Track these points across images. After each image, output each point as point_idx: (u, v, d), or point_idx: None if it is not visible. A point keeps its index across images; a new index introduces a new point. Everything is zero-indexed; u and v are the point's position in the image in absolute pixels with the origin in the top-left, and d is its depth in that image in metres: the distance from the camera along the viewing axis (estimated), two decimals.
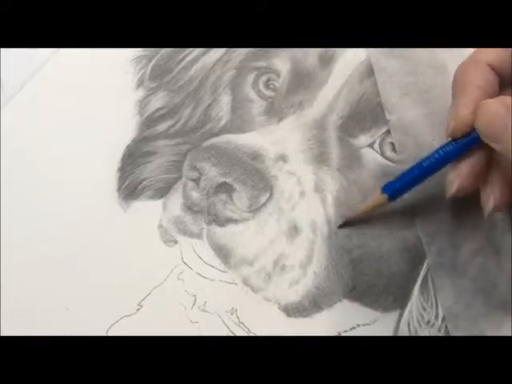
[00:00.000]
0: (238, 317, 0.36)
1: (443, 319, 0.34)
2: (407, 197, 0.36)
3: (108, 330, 0.36)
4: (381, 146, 0.38)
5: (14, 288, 0.37)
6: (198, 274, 0.37)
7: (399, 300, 0.35)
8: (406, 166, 0.35)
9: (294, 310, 0.35)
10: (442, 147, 0.33)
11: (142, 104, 0.41)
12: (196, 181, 0.37)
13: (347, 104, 0.39)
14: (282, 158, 0.38)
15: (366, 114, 0.39)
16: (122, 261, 0.37)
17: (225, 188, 0.37)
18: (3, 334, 0.36)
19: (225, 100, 0.41)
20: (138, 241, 0.38)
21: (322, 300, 0.35)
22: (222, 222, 0.37)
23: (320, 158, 0.38)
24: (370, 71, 0.39)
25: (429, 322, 0.35)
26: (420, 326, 0.35)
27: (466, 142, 0.32)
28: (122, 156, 0.40)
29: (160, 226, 0.38)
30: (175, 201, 0.38)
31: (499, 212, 0.33)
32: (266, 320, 0.35)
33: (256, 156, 0.37)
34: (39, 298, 0.37)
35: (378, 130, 0.38)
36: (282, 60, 0.41)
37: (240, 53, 0.41)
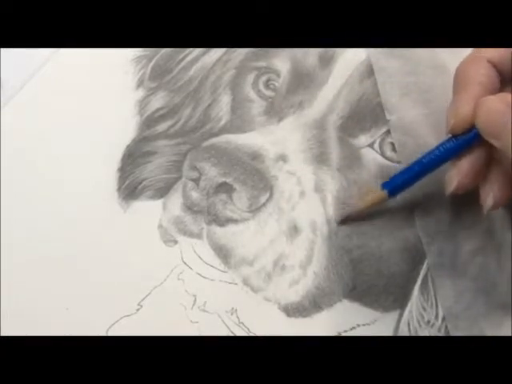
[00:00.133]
0: (238, 317, 0.36)
1: (443, 319, 0.34)
2: (407, 196, 0.36)
3: (108, 330, 0.36)
4: (381, 146, 0.38)
5: (14, 288, 0.37)
6: (198, 274, 0.37)
7: (399, 300, 0.35)
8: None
9: (293, 310, 0.35)
10: (442, 144, 0.33)
11: (142, 104, 0.41)
12: (196, 181, 0.37)
13: (347, 104, 0.39)
14: (282, 158, 0.38)
15: (366, 114, 0.39)
16: (122, 261, 0.37)
17: (225, 188, 0.37)
18: (3, 334, 0.36)
19: (225, 100, 0.41)
20: (138, 241, 0.38)
21: (322, 300, 0.35)
22: (222, 222, 0.37)
23: (320, 158, 0.38)
24: (370, 71, 0.39)
25: (429, 321, 0.35)
26: (420, 325, 0.35)
27: (466, 139, 0.32)
28: (122, 156, 0.40)
29: (160, 226, 0.38)
30: (175, 201, 0.38)
31: (498, 209, 0.33)
32: (266, 320, 0.35)
33: (256, 156, 0.37)
34: (39, 298, 0.37)
35: (378, 130, 0.38)
36: (282, 60, 0.41)
37: (240, 53, 0.41)
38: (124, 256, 0.38)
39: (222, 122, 0.40)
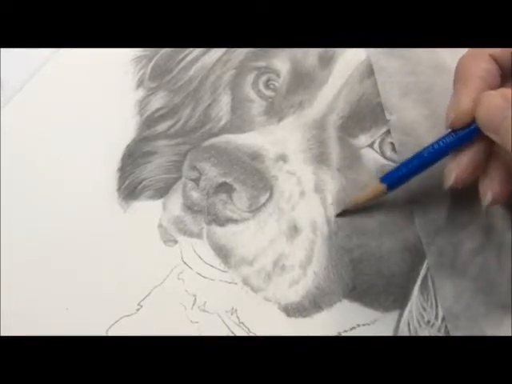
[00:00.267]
0: (238, 317, 0.35)
1: (443, 319, 0.34)
2: (407, 197, 0.36)
3: (108, 330, 0.36)
4: (381, 146, 0.38)
5: (14, 288, 0.37)
6: (198, 273, 0.37)
7: (399, 300, 0.35)
8: None
9: (294, 310, 0.35)
10: (441, 138, 0.33)
11: (142, 104, 0.41)
12: (196, 181, 0.37)
13: (347, 104, 0.39)
14: (282, 157, 0.38)
15: (366, 114, 0.39)
16: (122, 261, 0.37)
17: (225, 188, 0.37)
18: (3, 334, 0.36)
19: (225, 100, 0.41)
20: (137, 241, 0.38)
21: (322, 300, 0.35)
22: (222, 221, 0.37)
23: (320, 158, 0.38)
24: (370, 71, 0.39)
25: (429, 321, 0.35)
26: (420, 326, 0.35)
27: (466, 134, 0.32)
28: (122, 156, 0.40)
29: (160, 226, 0.38)
30: (175, 201, 0.38)
31: (497, 204, 0.33)
32: (266, 320, 0.35)
33: (256, 156, 0.37)
34: (39, 298, 0.37)
35: (378, 130, 0.38)
36: (282, 60, 0.41)
37: (240, 53, 0.41)
38: (124, 256, 0.38)
39: (222, 122, 0.40)
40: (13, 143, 0.41)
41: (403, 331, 0.35)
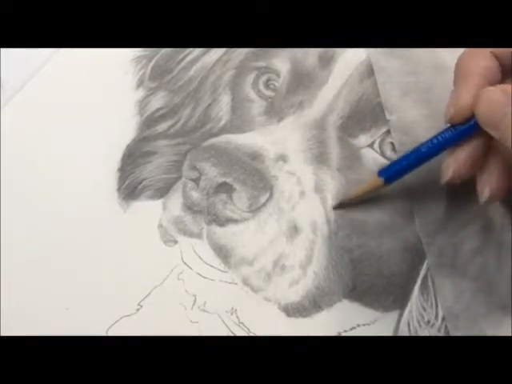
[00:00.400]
0: (237, 317, 0.35)
1: (443, 319, 0.34)
2: (408, 197, 0.36)
3: (108, 330, 0.36)
4: (381, 146, 0.38)
5: (14, 288, 0.37)
6: (198, 274, 0.37)
7: (399, 300, 0.35)
8: None
9: (294, 310, 0.35)
10: (440, 133, 0.33)
11: (142, 104, 0.41)
12: (196, 181, 0.37)
13: (347, 104, 0.39)
14: (282, 157, 0.38)
15: (366, 114, 0.39)
16: (122, 261, 0.37)
17: (225, 188, 0.37)
18: (3, 334, 0.36)
19: (225, 100, 0.41)
20: (137, 241, 0.38)
21: (322, 300, 0.35)
22: (222, 222, 0.37)
23: (320, 158, 0.38)
24: (370, 71, 0.39)
25: (429, 321, 0.35)
26: (420, 325, 0.35)
27: (465, 129, 0.32)
28: (122, 156, 0.40)
29: (160, 226, 0.38)
30: (175, 201, 0.38)
31: (495, 201, 0.33)
32: (266, 320, 0.35)
33: (256, 156, 0.37)
34: (39, 298, 0.37)
35: (378, 130, 0.38)
36: (282, 60, 0.41)
37: (240, 53, 0.41)
38: (124, 256, 0.38)
39: (222, 122, 0.40)
40: (13, 143, 0.41)
41: (403, 331, 0.35)
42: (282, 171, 0.37)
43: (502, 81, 0.33)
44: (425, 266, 0.35)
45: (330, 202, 0.37)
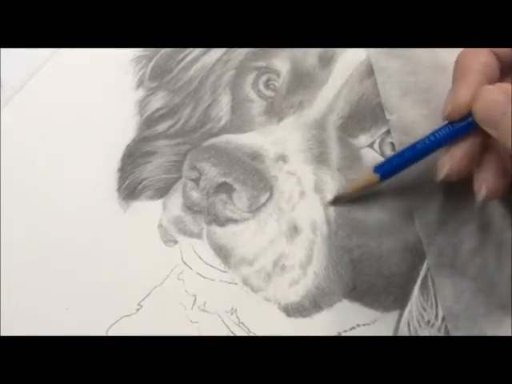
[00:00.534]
0: (237, 317, 0.35)
1: (443, 319, 0.34)
2: (407, 196, 0.36)
3: (108, 330, 0.36)
4: (381, 146, 0.38)
5: (14, 288, 0.37)
6: (198, 274, 0.37)
7: (399, 300, 0.35)
8: None
9: (294, 310, 0.35)
10: (437, 130, 0.33)
11: (142, 104, 0.41)
12: (196, 181, 0.37)
13: (347, 104, 0.39)
14: (282, 158, 0.38)
15: (366, 114, 0.39)
16: (122, 261, 0.37)
17: (225, 188, 0.37)
18: (3, 334, 0.36)
19: (225, 100, 0.41)
20: (137, 241, 0.38)
21: (322, 300, 0.35)
22: (222, 222, 0.37)
23: (320, 158, 0.38)
24: (370, 71, 0.39)
25: (429, 321, 0.35)
26: (420, 325, 0.35)
27: (462, 126, 0.32)
28: (122, 156, 0.40)
29: (160, 226, 0.38)
30: (175, 201, 0.38)
31: (492, 199, 0.33)
32: (266, 320, 0.35)
33: (256, 156, 0.37)
34: (39, 298, 0.37)
35: (378, 130, 0.38)
36: (282, 60, 0.41)
37: (240, 53, 0.41)
38: (124, 256, 0.38)
39: (222, 122, 0.40)
40: (13, 143, 0.41)
41: (403, 331, 0.35)
42: (282, 171, 0.37)
43: (501, 79, 0.33)
44: (425, 266, 0.35)
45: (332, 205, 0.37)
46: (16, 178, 0.40)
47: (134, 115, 0.41)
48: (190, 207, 0.37)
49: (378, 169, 0.35)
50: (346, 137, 0.38)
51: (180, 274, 0.37)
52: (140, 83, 0.42)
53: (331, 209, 0.37)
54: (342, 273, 0.36)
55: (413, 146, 0.34)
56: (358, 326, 0.35)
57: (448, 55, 0.37)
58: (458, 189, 0.35)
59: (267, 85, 0.40)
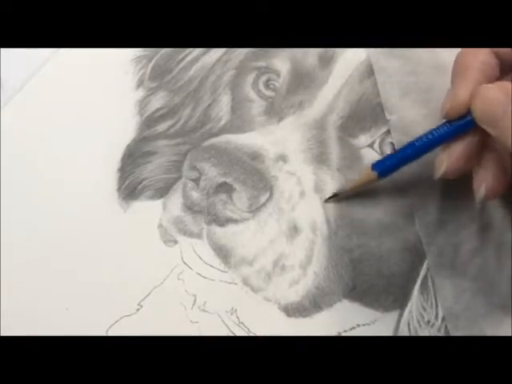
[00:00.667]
0: (237, 317, 0.36)
1: (443, 319, 0.34)
2: (407, 197, 0.36)
3: (108, 330, 0.36)
4: (381, 146, 0.38)
5: (14, 288, 0.37)
6: (198, 274, 0.37)
7: (399, 300, 0.35)
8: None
9: (294, 310, 0.35)
10: (435, 128, 0.33)
11: (142, 104, 0.41)
12: (196, 181, 0.37)
13: (347, 104, 0.39)
14: (282, 158, 0.38)
15: (365, 114, 0.39)
16: (122, 261, 0.37)
17: (225, 188, 0.37)
18: (3, 334, 0.36)
19: (225, 100, 0.41)
20: (137, 241, 0.38)
21: (322, 300, 0.35)
22: (222, 222, 0.37)
23: (320, 158, 0.38)
24: (370, 71, 0.39)
25: (429, 321, 0.35)
26: (420, 325, 0.35)
27: (461, 125, 0.32)
28: (122, 156, 0.40)
29: (160, 226, 0.38)
30: (175, 201, 0.38)
31: (491, 198, 0.33)
32: (266, 320, 0.35)
33: (256, 156, 0.37)
34: (39, 298, 0.37)
35: (378, 130, 0.38)
36: (282, 60, 0.41)
37: (240, 53, 0.41)
38: (124, 256, 0.38)
39: (222, 122, 0.40)
40: (13, 143, 0.41)
41: (403, 331, 0.35)
42: (282, 171, 0.37)
43: (501, 78, 0.33)
44: (425, 266, 0.35)
45: (330, 201, 0.37)
46: (16, 177, 0.40)
47: (134, 115, 0.41)
48: (189, 207, 0.37)
49: (376, 166, 0.35)
50: (345, 137, 0.38)
51: (180, 274, 0.37)
52: (140, 83, 0.42)
53: (331, 209, 0.37)
54: (342, 273, 0.36)
55: (411, 144, 0.34)
56: (358, 325, 0.35)
57: (448, 55, 0.37)
58: (458, 189, 0.35)
59: (267, 85, 0.40)
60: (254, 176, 0.37)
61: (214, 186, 0.37)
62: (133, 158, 0.40)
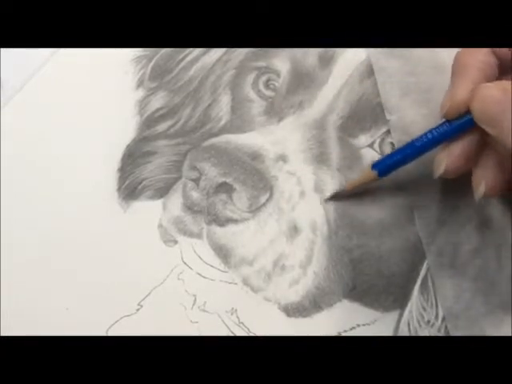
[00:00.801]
0: (237, 317, 0.36)
1: (443, 319, 0.34)
2: (408, 196, 0.36)
3: (108, 330, 0.36)
4: (381, 146, 0.38)
5: (14, 288, 0.37)
6: (198, 274, 0.37)
7: (399, 300, 0.35)
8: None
9: (294, 310, 0.35)
10: (435, 128, 0.33)
11: (142, 104, 0.41)
12: (196, 181, 0.37)
13: (347, 104, 0.39)
14: (282, 158, 0.38)
15: (365, 114, 0.39)
16: (122, 261, 0.37)
17: (225, 188, 0.37)
18: (3, 334, 0.36)
19: (225, 100, 0.41)
20: (137, 241, 0.38)
21: (322, 300, 0.35)
22: (222, 222, 0.37)
23: (320, 158, 0.38)
24: (370, 71, 0.39)
25: (429, 321, 0.35)
26: (420, 326, 0.35)
27: (460, 124, 0.32)
28: (122, 156, 0.40)
29: (160, 226, 0.38)
30: (175, 201, 0.38)
31: (490, 197, 0.33)
32: (266, 320, 0.35)
33: (256, 156, 0.37)
34: (39, 298, 0.37)
35: (378, 130, 0.38)
36: (282, 60, 0.41)
37: (240, 53, 0.41)
38: (124, 256, 0.38)
39: (222, 122, 0.40)
40: (13, 143, 0.41)
41: (403, 331, 0.35)
42: (282, 171, 0.37)
43: (499, 78, 0.33)
44: (425, 266, 0.35)
45: (330, 201, 0.37)
46: (16, 177, 0.40)
47: (134, 115, 0.41)
48: (190, 207, 0.37)
49: (376, 166, 0.35)
50: (346, 137, 0.38)
51: (180, 274, 0.37)
52: (140, 83, 0.42)
53: (331, 209, 0.37)
54: (342, 273, 0.36)
55: (411, 144, 0.34)
56: (358, 326, 0.35)
57: (448, 55, 0.37)
58: (458, 189, 0.35)
59: (267, 85, 0.40)
60: (254, 176, 0.37)
61: (214, 185, 0.37)
62: (133, 158, 0.40)
